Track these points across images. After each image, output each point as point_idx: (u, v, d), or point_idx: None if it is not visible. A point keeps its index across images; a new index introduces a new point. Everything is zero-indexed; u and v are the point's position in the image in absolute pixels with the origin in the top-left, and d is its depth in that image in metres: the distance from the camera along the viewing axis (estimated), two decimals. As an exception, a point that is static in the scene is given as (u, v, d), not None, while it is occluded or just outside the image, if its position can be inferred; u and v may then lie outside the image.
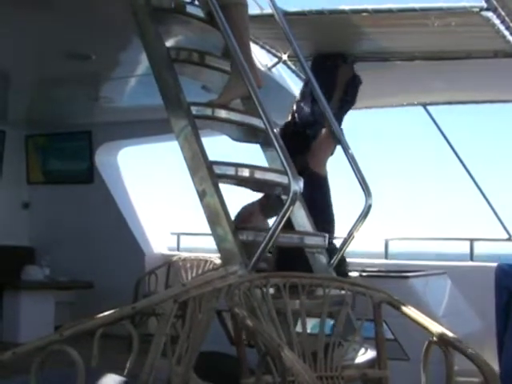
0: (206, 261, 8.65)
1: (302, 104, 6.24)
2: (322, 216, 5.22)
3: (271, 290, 3.44)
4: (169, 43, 4.76)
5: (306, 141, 5.95)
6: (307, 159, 5.79)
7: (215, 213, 3.98)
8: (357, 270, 6.35)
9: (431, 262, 7.88)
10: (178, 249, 10.11)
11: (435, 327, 3.30)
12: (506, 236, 8.28)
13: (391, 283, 5.74)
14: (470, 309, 6.77)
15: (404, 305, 3.50)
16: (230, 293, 3.12)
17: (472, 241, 8.20)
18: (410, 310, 3.45)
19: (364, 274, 6.18)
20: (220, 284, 3.15)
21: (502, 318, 5.38)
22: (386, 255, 8.47)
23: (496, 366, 5.12)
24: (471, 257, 8.17)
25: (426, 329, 3.34)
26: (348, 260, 7.24)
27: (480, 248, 8.27)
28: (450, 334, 3.25)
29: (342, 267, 5.50)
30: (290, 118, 6.31)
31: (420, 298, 5.93)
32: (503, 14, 5.22)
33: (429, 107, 8.31)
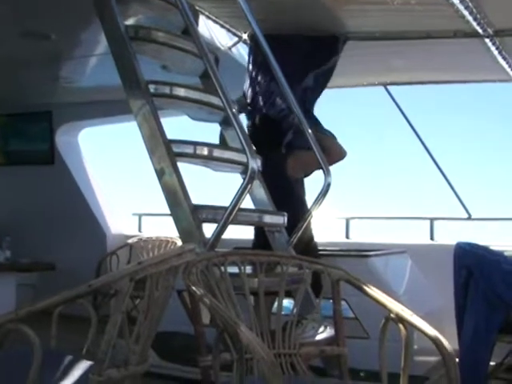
0: (168, 241, 8.60)
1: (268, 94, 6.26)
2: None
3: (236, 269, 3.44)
4: (128, 21, 4.73)
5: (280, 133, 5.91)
6: (286, 161, 5.75)
7: (174, 192, 3.98)
8: (321, 250, 6.37)
9: (392, 241, 7.92)
10: (140, 229, 10.08)
11: (393, 305, 3.32)
12: (466, 215, 8.36)
13: (351, 262, 5.76)
14: (431, 287, 6.83)
15: (362, 283, 3.51)
16: (187, 271, 3.12)
17: (432, 220, 8.27)
18: (367, 288, 3.46)
19: (324, 252, 6.19)
20: (177, 262, 3.13)
21: (461, 296, 5.43)
22: (347, 234, 8.52)
23: (455, 344, 5.18)
24: (431, 236, 8.25)
25: (383, 306, 3.36)
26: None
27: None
28: (408, 312, 3.27)
29: (310, 247, 5.52)
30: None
31: (380, 276, 5.97)
32: (461, -7, 5.25)
33: (389, 87, 8.35)
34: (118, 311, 2.89)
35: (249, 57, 6.56)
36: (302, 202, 5.75)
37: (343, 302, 4.59)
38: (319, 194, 5.01)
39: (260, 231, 5.22)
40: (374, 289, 3.45)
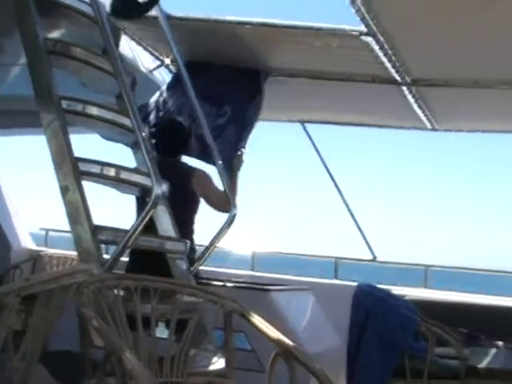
0: (73, 259, 8.48)
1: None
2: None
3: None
4: (52, 35, 4.69)
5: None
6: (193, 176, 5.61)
7: (76, 210, 3.93)
8: (222, 280, 6.36)
9: (297, 278, 7.96)
10: (47, 245, 9.90)
11: (282, 340, 3.33)
12: (371, 257, 8.47)
13: (252, 295, 5.76)
14: (332, 326, 6.86)
15: (254, 316, 3.52)
16: (78, 291, 3.08)
17: (337, 259, 8.35)
18: (259, 322, 3.47)
19: (228, 284, 6.19)
20: (69, 281, 3.10)
21: (355, 337, 5.49)
22: (253, 267, 8.53)
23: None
24: (335, 275, 8.31)
25: (273, 341, 3.37)
26: (216, 269, 7.29)
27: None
28: (298, 348, 3.28)
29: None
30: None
31: (280, 311, 5.97)
32: (382, 39, 5.33)
33: (307, 125, 8.42)
34: (3, 327, 2.85)
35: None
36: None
37: (242, 334, 4.60)
38: (224, 225, 5.01)
39: (137, 255, 5.06)
40: (267, 324, 3.46)
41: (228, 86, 6.45)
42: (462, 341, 5.79)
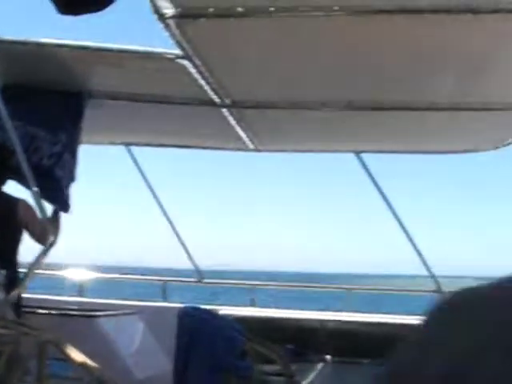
0: None
1: None
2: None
3: None
4: None
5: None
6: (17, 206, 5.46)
7: None
8: (48, 308, 6.24)
9: (125, 302, 7.91)
10: None
11: (92, 367, 3.32)
12: (198, 278, 8.54)
13: (79, 322, 5.69)
14: (159, 349, 6.85)
15: (67, 346, 3.48)
16: None
17: (165, 282, 8.38)
18: (72, 352, 3.43)
19: (53, 312, 6.07)
20: None
21: (182, 359, 5.50)
22: (81, 293, 8.41)
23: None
24: (164, 297, 8.32)
25: (86, 369, 3.35)
26: (44, 297, 7.14)
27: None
28: (103, 374, 3.28)
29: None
30: None
31: (107, 337, 5.92)
32: (198, 62, 5.36)
33: (132, 147, 8.40)
34: None
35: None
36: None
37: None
38: (41, 253, 4.90)
39: None
40: (77, 353, 3.42)
41: (56, 110, 6.30)
42: (289, 357, 5.90)
